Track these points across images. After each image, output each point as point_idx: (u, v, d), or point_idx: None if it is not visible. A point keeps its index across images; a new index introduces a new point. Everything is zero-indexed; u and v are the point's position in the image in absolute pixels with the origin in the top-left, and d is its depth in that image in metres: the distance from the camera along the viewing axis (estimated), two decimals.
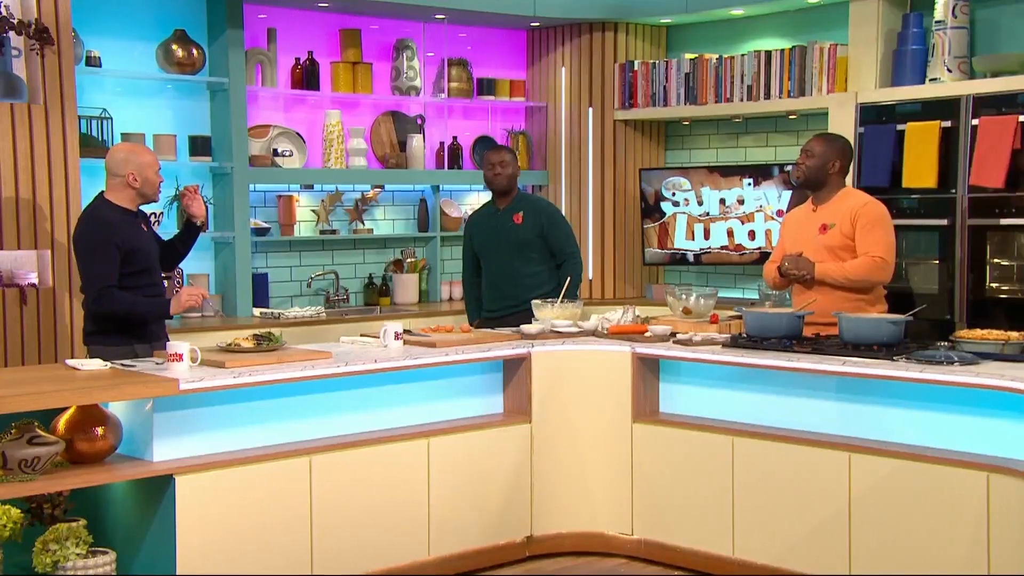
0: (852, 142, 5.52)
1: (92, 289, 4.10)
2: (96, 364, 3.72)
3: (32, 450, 3.29)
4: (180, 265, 4.89)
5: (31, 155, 4.66)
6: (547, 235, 5.28)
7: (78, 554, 3.46)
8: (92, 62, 5.37)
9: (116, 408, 3.64)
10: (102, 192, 4.22)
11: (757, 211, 6.24)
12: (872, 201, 4.50)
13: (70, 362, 3.77)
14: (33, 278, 4.65)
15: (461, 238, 6.77)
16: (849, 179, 5.52)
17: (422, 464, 4.11)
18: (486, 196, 6.96)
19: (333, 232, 6.27)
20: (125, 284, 4.10)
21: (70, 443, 3.47)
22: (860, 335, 3.97)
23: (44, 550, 3.46)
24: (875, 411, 3.92)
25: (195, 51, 5.67)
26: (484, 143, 6.88)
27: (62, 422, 3.50)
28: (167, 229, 5.59)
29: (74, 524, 3.52)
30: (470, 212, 6.77)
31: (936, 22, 5.38)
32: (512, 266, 5.25)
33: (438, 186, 6.59)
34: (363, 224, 6.40)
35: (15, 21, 4.59)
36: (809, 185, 4.58)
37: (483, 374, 4.45)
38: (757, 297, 6.09)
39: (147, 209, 5.44)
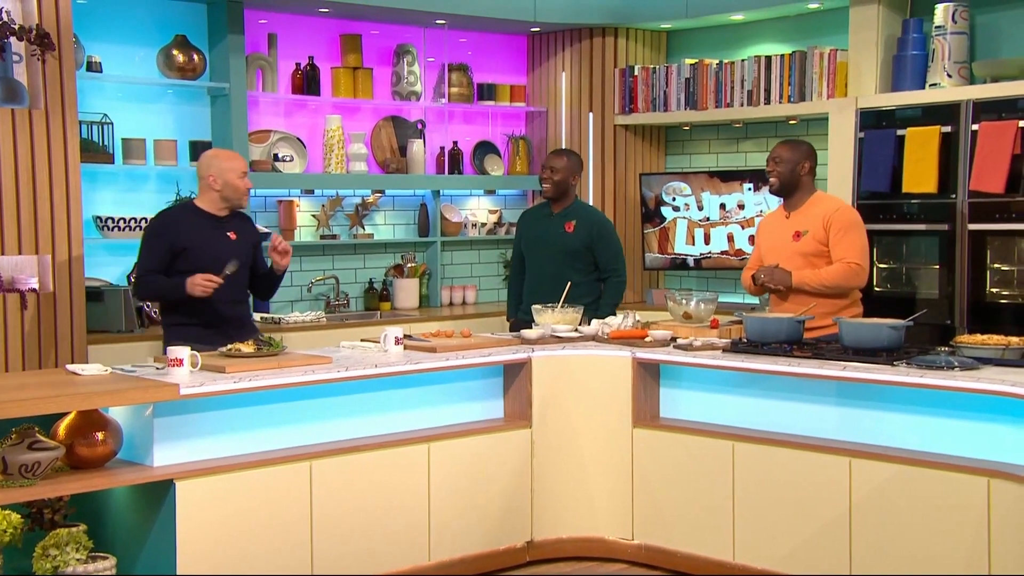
0: (853, 147, 5.55)
1: (135, 276, 4.49)
2: (96, 369, 3.73)
3: (32, 455, 3.29)
4: None
5: (32, 160, 4.67)
6: (595, 248, 5.25)
7: (78, 559, 3.46)
8: (93, 67, 5.37)
9: (116, 413, 3.64)
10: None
11: (757, 216, 6.24)
12: (844, 206, 4.59)
13: (70, 367, 3.78)
14: (33, 283, 4.65)
15: (461, 243, 6.81)
16: (849, 184, 5.55)
17: (422, 469, 4.11)
18: (486, 201, 7.00)
19: (333, 237, 6.27)
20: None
21: (70, 448, 3.47)
22: (860, 340, 3.97)
23: (44, 555, 3.46)
24: (875, 416, 3.92)
25: (196, 56, 5.67)
26: (484, 148, 6.89)
27: (62, 427, 3.50)
28: None
29: (74, 529, 3.52)
30: (468, 216, 6.82)
31: (936, 27, 5.39)
32: (557, 273, 5.18)
33: (438, 191, 6.59)
34: (363, 229, 6.41)
35: (16, 27, 4.59)
36: (783, 191, 4.64)
37: (483, 379, 4.45)
38: (757, 302, 6.09)
39: (144, 213, 5.47)
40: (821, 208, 4.56)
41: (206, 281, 4.23)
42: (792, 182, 4.60)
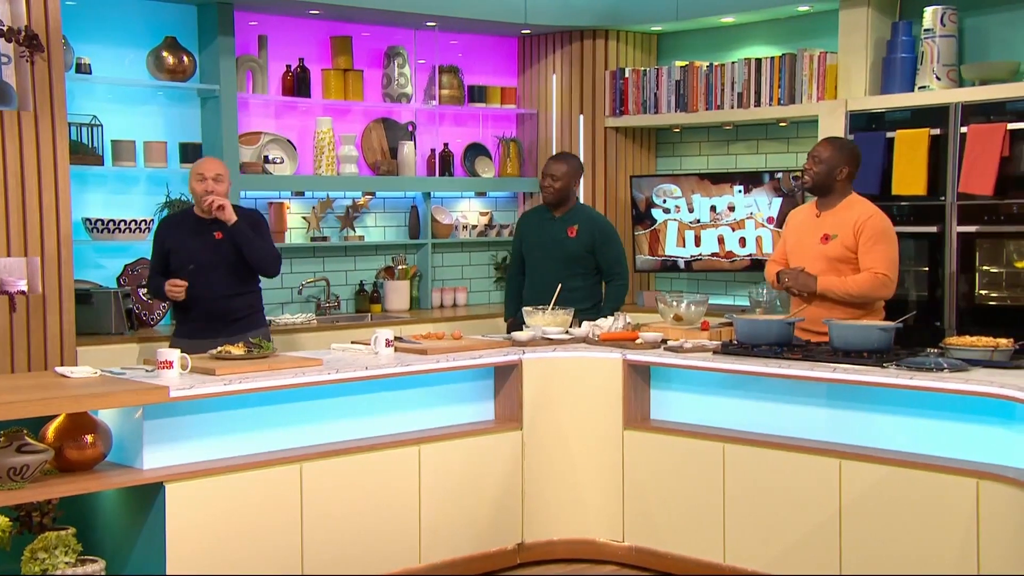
0: None
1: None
2: (86, 371, 3.71)
3: (21, 458, 3.28)
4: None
5: (21, 162, 4.65)
6: (598, 252, 5.23)
7: (67, 562, 3.45)
8: (82, 69, 5.36)
9: (106, 416, 3.63)
10: None
11: (748, 218, 6.25)
12: (877, 214, 4.40)
13: (60, 369, 3.76)
14: (22, 285, 4.63)
15: (452, 245, 6.80)
16: None
17: (413, 471, 4.11)
18: (477, 203, 7.00)
19: (324, 239, 6.26)
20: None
21: (59, 451, 3.45)
22: (850, 342, 3.98)
23: (33, 559, 3.44)
24: (865, 418, 3.93)
25: (186, 58, 5.66)
26: (475, 150, 6.89)
27: (51, 430, 3.48)
28: None
29: (63, 532, 3.51)
30: (459, 218, 6.82)
31: (925, 30, 5.41)
32: (558, 277, 5.13)
33: (429, 193, 6.59)
34: (354, 231, 6.40)
35: (4, 28, 4.57)
36: (816, 191, 4.50)
37: (474, 381, 4.45)
38: (748, 304, 6.10)
39: (134, 216, 5.47)
40: (854, 213, 4.39)
41: (171, 287, 4.59)
42: (827, 184, 4.43)
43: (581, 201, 5.46)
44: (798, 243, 4.54)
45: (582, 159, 6.71)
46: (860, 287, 4.32)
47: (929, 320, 5.21)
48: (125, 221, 5.44)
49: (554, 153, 6.73)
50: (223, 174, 4.65)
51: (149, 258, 5.31)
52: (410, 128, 6.57)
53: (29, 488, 3.31)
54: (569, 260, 5.22)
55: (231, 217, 4.57)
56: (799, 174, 4.55)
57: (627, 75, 6.64)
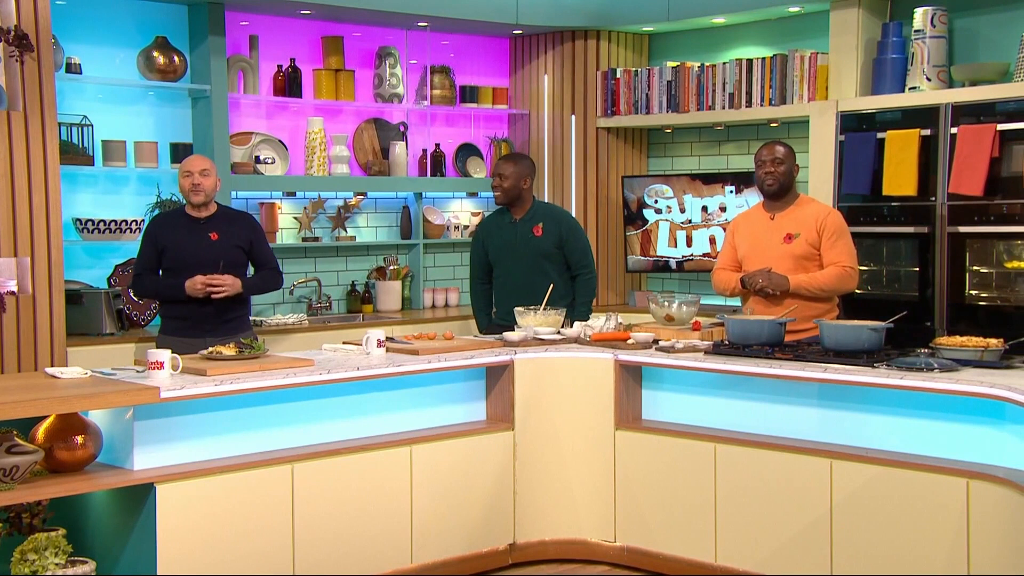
0: (833, 150, 5.59)
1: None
2: (76, 372, 3.71)
3: (11, 459, 3.27)
4: None
5: (10, 162, 4.64)
6: (566, 246, 5.19)
7: (57, 564, 3.44)
8: (72, 69, 5.34)
9: (96, 416, 3.62)
10: None
11: None
12: (833, 210, 4.61)
13: (50, 370, 3.75)
14: (12, 286, 4.62)
15: (443, 245, 6.80)
16: (830, 187, 5.58)
17: (405, 472, 4.10)
18: (468, 203, 6.99)
19: (315, 239, 6.26)
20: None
21: (49, 452, 3.44)
22: (841, 342, 3.98)
23: (23, 560, 3.43)
24: (856, 418, 3.94)
25: (176, 58, 5.65)
26: (467, 150, 6.89)
27: (41, 430, 3.47)
28: None
29: (53, 533, 3.50)
30: (451, 218, 6.82)
31: (915, 31, 5.43)
32: (531, 278, 5.10)
33: (421, 193, 6.59)
34: (345, 231, 6.39)
35: None
36: (782, 192, 4.59)
37: (466, 381, 4.44)
38: (739, 304, 6.11)
39: (124, 216, 5.46)
40: (811, 211, 4.53)
41: (196, 283, 4.54)
42: (789, 184, 4.58)
43: (539, 200, 5.41)
44: (756, 246, 4.60)
45: (573, 160, 6.73)
46: (829, 281, 4.44)
47: (919, 320, 5.22)
48: (116, 221, 5.43)
49: (544, 154, 6.77)
50: (209, 169, 4.66)
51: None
52: (402, 128, 6.57)
53: (19, 489, 3.30)
54: (541, 259, 5.17)
55: (239, 289, 4.63)
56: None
57: (619, 75, 6.65)
